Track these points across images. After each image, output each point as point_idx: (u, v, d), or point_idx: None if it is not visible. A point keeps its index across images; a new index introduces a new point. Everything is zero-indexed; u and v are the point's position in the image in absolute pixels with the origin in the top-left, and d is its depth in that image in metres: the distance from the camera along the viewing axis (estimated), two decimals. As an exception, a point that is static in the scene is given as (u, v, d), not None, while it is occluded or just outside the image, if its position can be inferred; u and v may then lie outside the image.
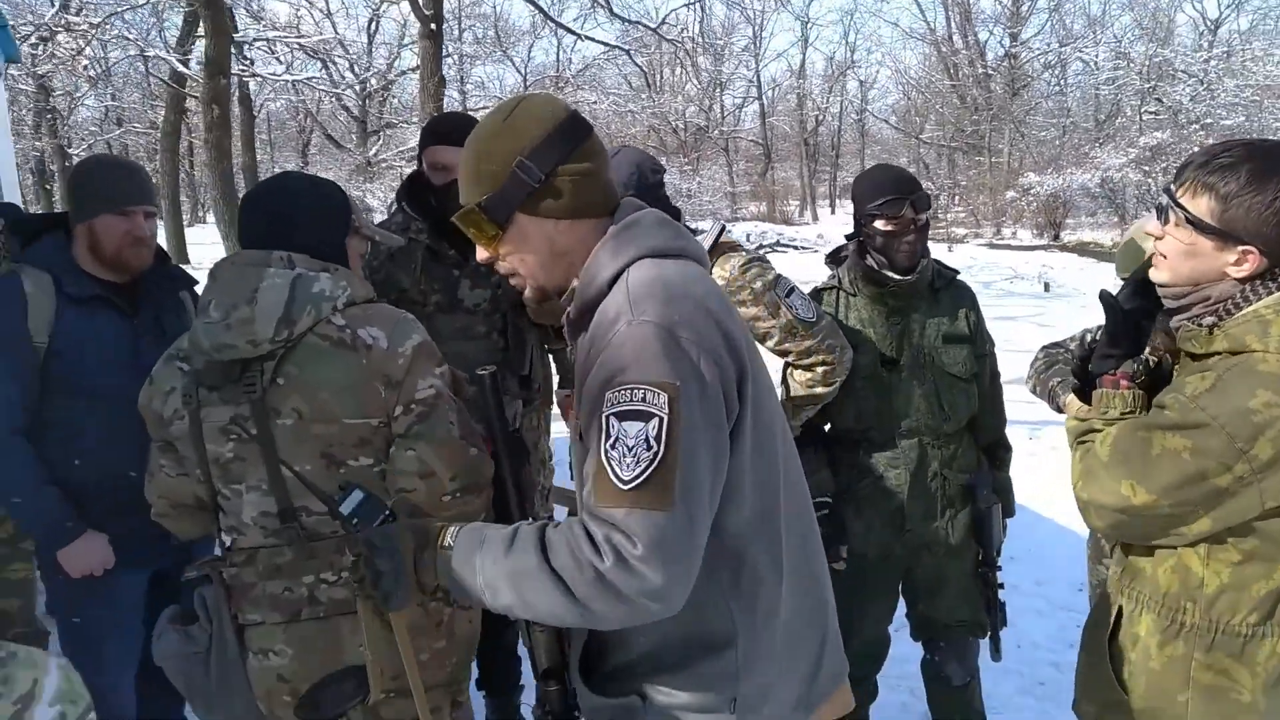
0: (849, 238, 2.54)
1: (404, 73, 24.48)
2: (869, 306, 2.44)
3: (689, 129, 31.09)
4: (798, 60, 36.05)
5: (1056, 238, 22.51)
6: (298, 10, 24.68)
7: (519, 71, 26.54)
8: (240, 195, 13.56)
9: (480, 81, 26.66)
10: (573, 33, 18.37)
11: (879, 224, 2.36)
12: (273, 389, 1.62)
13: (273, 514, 1.66)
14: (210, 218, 27.64)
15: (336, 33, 24.89)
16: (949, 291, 2.52)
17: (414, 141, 23.23)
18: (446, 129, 2.42)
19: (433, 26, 14.46)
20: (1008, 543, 2.65)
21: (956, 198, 29.39)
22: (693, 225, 2.50)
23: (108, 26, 15.12)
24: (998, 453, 2.62)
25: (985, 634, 2.58)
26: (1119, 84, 29.67)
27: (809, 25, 34.01)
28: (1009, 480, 2.63)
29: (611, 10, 16.43)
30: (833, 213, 34.11)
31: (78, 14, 15.69)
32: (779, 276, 2.29)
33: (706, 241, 2.29)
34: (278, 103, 22.71)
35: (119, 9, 15.09)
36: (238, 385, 1.63)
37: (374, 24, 25.51)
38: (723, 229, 2.33)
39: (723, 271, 2.26)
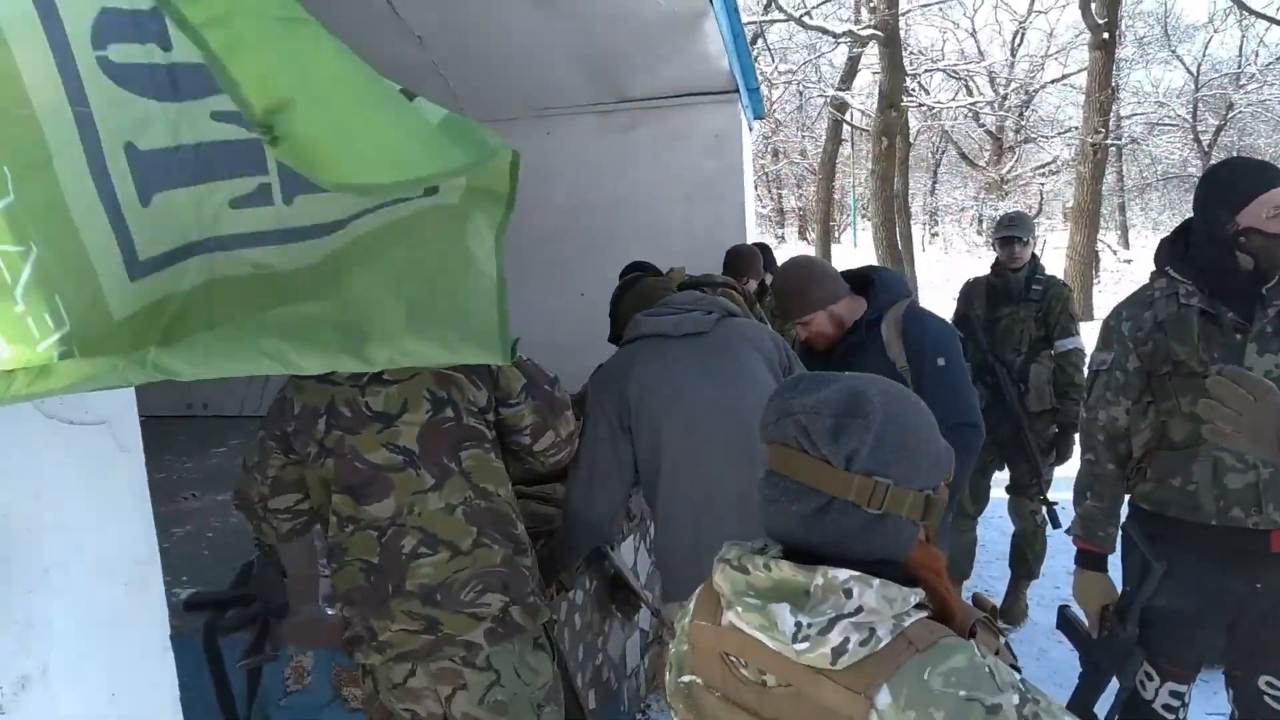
0: None
1: (1044, 85, 23.43)
2: None
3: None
4: None
5: None
6: (944, 34, 25.16)
7: (1189, 71, 23.43)
8: (897, 218, 14.26)
9: (1136, 88, 24.22)
10: (1270, 19, 15.64)
11: None
12: None
13: None
14: (844, 238, 29.72)
15: (980, 51, 24.79)
16: None
17: (1051, 154, 22.02)
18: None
19: (1105, 36, 13.55)
20: None
21: None
22: None
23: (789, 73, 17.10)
24: None
25: None
26: None
27: None
28: None
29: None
30: None
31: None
32: None
33: None
34: (919, 127, 23.33)
35: (809, 58, 16.89)
36: None
37: (1018, 37, 24.83)
38: None
39: None
